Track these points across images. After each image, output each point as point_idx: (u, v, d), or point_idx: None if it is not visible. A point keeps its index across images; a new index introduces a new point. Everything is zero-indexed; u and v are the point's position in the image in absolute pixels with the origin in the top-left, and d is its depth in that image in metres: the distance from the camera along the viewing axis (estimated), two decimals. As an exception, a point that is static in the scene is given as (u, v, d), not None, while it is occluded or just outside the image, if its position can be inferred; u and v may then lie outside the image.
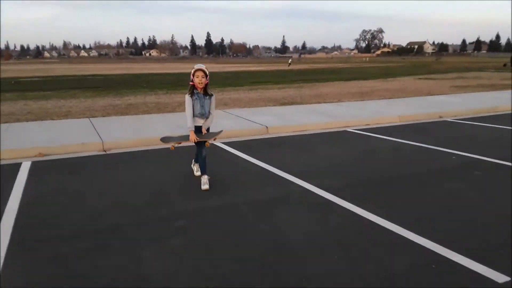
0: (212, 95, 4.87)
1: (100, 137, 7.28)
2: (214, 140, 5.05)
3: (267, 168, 5.70)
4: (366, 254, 3.24)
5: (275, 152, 6.73)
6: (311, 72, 34.83)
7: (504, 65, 38.56)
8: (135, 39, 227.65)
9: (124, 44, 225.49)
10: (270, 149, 7.00)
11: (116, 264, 3.15)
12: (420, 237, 3.49)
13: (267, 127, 8.33)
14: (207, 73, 4.72)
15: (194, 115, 4.77)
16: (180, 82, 22.39)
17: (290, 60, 56.11)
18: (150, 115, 10.06)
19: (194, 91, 4.74)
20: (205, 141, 4.84)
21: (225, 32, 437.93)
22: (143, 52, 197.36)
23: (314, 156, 6.48)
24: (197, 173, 5.24)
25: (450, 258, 3.14)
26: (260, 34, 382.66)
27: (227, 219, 3.97)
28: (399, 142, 7.27)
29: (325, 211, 4.13)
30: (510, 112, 10.71)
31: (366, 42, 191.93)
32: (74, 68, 49.16)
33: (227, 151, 6.80)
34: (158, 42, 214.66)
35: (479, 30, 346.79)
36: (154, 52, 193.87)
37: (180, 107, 11.71)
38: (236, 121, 8.95)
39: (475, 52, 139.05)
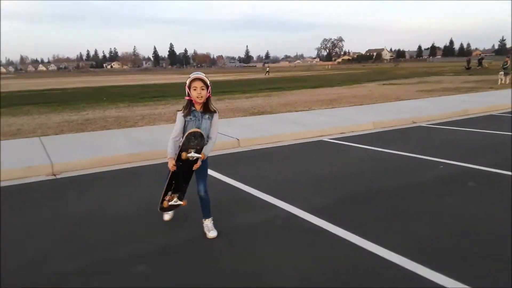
0: (215, 112, 3.66)
1: (49, 158, 6.41)
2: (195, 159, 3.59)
3: (242, 188, 5.07)
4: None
5: (250, 168, 6.13)
6: (277, 81, 34.63)
7: (468, 68, 39.80)
8: (96, 51, 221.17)
9: (84, 57, 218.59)
10: (243, 164, 6.39)
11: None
12: (436, 273, 2.97)
13: (238, 139, 7.72)
14: (208, 83, 3.51)
15: (184, 143, 3.49)
16: (143, 94, 21.43)
17: (267, 68, 56.15)
18: (109, 131, 9.21)
19: (192, 108, 3.57)
20: (192, 167, 3.60)
21: (189, 43, 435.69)
22: (104, 65, 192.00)
23: (292, 171, 5.93)
24: (209, 233, 3.72)
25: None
26: (224, 44, 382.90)
27: (198, 259, 3.30)
28: (379, 151, 6.85)
29: (317, 243, 3.53)
30: (482, 114, 10.65)
31: (327, 50, 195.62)
32: (31, 83, 46.62)
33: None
34: (119, 54, 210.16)
35: (433, 36, 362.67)
36: (115, 65, 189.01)
37: (143, 120, 10.92)
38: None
39: (431, 57, 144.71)
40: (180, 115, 3.60)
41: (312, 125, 9.05)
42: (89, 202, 4.73)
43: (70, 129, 9.48)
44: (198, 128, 3.51)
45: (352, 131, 8.84)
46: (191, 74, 3.54)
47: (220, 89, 24.35)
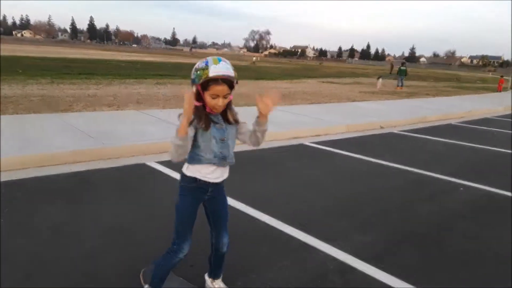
0: (236, 122, 2.25)
1: (-39, 153, 4.62)
2: None
3: (235, 206, 3.95)
4: None
5: (235, 182, 4.97)
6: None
7: (391, 73, 41.88)
8: (4, 17, 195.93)
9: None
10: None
11: None
12: None
13: (209, 138, 6.48)
14: (235, 82, 2.09)
15: (204, 158, 2.17)
16: (66, 70, 18.72)
17: (254, 58, 53.78)
18: (39, 115, 7.33)
19: (210, 118, 2.14)
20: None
21: (110, 17, 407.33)
22: (13, 32, 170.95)
23: (291, 183, 4.92)
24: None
25: None
26: (149, 23, 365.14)
27: None
28: (378, 164, 6.11)
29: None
30: (441, 123, 10.60)
31: (255, 42, 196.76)
32: None
33: (167, 176, 4.82)
34: (32, 22, 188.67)
35: (353, 39, 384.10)
36: (27, 33, 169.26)
37: (79, 103, 9.06)
38: (164, 128, 6.89)
39: (349, 59, 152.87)
40: (189, 130, 2.06)
41: (284, 125, 8.09)
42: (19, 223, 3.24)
43: (-18, 109, 7.39)
44: (223, 137, 2.17)
45: (327, 134, 8.08)
46: (211, 67, 1.99)
47: (154, 71, 22.38)
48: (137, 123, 7.15)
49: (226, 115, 2.18)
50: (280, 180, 5.08)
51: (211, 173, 2.22)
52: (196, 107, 2.05)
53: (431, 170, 5.74)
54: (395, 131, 8.97)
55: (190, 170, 2.22)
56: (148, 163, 5.22)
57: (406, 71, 23.03)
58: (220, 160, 2.20)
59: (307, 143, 7.12)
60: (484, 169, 6.18)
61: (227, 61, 2.05)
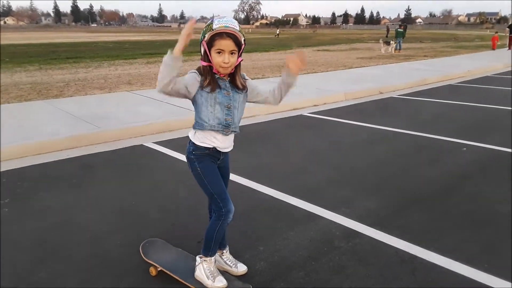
0: (244, 88, 2.19)
1: (-47, 146, 4.52)
2: None
3: (238, 181, 3.89)
4: None
5: (241, 155, 4.90)
6: (203, 43, 32.50)
7: (387, 36, 41.34)
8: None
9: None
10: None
11: None
12: None
13: (206, 114, 6.36)
14: (242, 40, 2.03)
15: (207, 124, 2.12)
16: (53, 55, 18.33)
17: (278, 31, 52.03)
18: (30, 103, 7.18)
19: (216, 76, 2.09)
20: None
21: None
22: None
23: (292, 155, 4.86)
24: (236, 269, 2.47)
25: None
26: (134, 1, 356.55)
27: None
28: (380, 129, 6.06)
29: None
30: (441, 84, 10.48)
31: (245, 13, 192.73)
32: None
33: (166, 155, 4.75)
34: (13, 8, 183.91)
35: (346, 4, 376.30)
36: (10, 20, 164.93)
37: (70, 88, 8.88)
38: (159, 108, 6.77)
39: (344, 24, 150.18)
40: (192, 76, 2.06)
41: (281, 96, 7.97)
42: (34, 221, 3.19)
43: (-28, 100, 7.23)
44: (229, 105, 2.11)
45: (325, 103, 7.97)
46: (214, 21, 1.97)
47: (143, 50, 21.98)
48: (130, 104, 7.02)
49: (234, 79, 2.13)
50: (281, 152, 5.01)
51: (220, 142, 2.19)
52: (203, 67, 2.07)
53: (433, 132, 5.68)
54: (395, 96, 8.86)
55: (199, 139, 2.17)
56: (146, 144, 5.14)
57: (404, 33, 22.60)
58: (224, 128, 2.15)
59: (306, 114, 7.03)
60: (487, 128, 6.12)
61: (231, 19, 2.01)
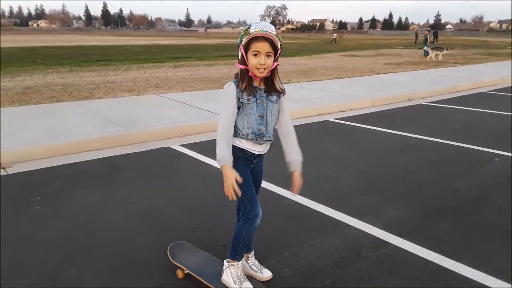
0: (282, 92, 2.21)
1: (-10, 144, 4.70)
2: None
3: (263, 186, 3.87)
4: None
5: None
6: (229, 48, 32.80)
7: (415, 42, 40.59)
8: (20, 8, 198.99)
9: (6, 14, 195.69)
10: None
11: None
12: None
13: (231, 118, 6.39)
14: (279, 45, 2.08)
15: (241, 133, 2.16)
16: (83, 57, 18.87)
17: (335, 35, 51.61)
18: (62, 104, 7.40)
19: (253, 84, 2.11)
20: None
21: (124, 2, 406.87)
22: (29, 23, 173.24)
23: (318, 161, 4.81)
24: (261, 274, 2.46)
25: None
26: (162, 5, 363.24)
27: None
28: (408, 136, 5.94)
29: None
30: (472, 92, 10.19)
31: (271, 18, 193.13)
32: None
33: (192, 158, 4.79)
34: (46, 11, 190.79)
35: (374, 9, 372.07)
36: (43, 23, 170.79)
37: (100, 90, 9.11)
38: (186, 111, 6.86)
39: (371, 30, 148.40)
40: (231, 90, 2.11)
41: (306, 102, 7.95)
42: (72, 215, 3.28)
43: (9, 101, 7.51)
44: (263, 114, 2.15)
45: (352, 109, 7.88)
46: (252, 26, 2.03)
47: (171, 54, 22.32)
48: (158, 107, 7.13)
49: (273, 84, 2.16)
50: (307, 158, 4.95)
51: (254, 146, 2.22)
52: (240, 70, 2.12)
53: (463, 141, 5.52)
54: (424, 103, 8.67)
55: (233, 141, 2.17)
56: (173, 146, 5.21)
57: (426, 39, 22.19)
58: (257, 137, 2.18)
59: (331, 119, 6.96)
60: (519, 137, 5.89)
61: (268, 24, 2.07)
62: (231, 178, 2.00)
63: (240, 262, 2.33)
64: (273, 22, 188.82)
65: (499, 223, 3.23)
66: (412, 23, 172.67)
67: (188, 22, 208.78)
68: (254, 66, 2.05)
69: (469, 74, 13.30)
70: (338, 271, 2.56)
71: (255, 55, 2.03)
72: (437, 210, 3.46)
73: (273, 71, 2.13)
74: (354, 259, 2.69)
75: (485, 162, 4.76)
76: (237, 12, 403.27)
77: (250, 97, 2.11)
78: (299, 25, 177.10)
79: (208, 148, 5.18)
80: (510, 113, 7.54)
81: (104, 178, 4.15)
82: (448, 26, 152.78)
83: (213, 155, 5.05)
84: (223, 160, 2.03)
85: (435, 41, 41.22)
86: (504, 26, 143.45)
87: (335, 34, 52.74)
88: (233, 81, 2.14)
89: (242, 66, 2.10)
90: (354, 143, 5.63)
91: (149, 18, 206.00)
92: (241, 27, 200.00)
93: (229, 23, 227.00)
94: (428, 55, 21.00)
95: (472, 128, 6.46)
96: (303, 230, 3.10)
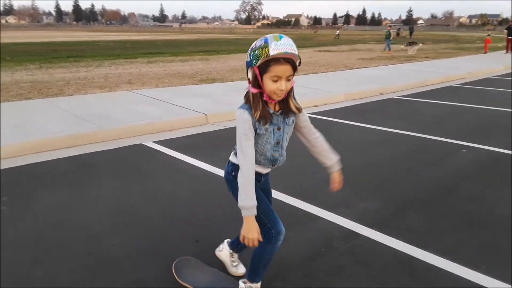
0: (300, 111, 2.04)
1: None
2: None
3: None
4: None
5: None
6: (205, 43, 32.56)
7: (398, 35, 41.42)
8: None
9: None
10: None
11: None
12: None
13: (205, 114, 6.37)
14: (297, 63, 1.82)
15: (255, 159, 1.94)
16: (54, 54, 18.34)
17: (338, 32, 50.33)
18: (30, 101, 7.18)
19: (269, 111, 1.89)
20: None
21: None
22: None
23: (291, 155, 4.84)
24: (235, 269, 2.46)
25: None
26: (136, 0, 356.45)
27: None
28: (379, 129, 6.05)
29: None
30: (442, 85, 10.46)
31: (246, 13, 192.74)
32: None
33: (164, 154, 4.74)
34: (15, 7, 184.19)
35: (347, 4, 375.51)
36: (11, 19, 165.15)
37: (70, 87, 8.88)
38: (159, 107, 6.78)
39: (345, 25, 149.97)
40: (246, 120, 1.84)
41: (281, 96, 7.97)
42: (44, 215, 3.19)
43: (-28, 99, 7.22)
44: (279, 141, 1.97)
45: (326, 104, 7.97)
46: (271, 45, 1.72)
47: (144, 50, 21.99)
48: (130, 104, 7.02)
49: (288, 104, 1.92)
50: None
51: (263, 169, 2.07)
52: (253, 95, 1.84)
53: (433, 134, 5.67)
54: (395, 97, 8.85)
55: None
56: (146, 143, 5.14)
57: (389, 34, 22.56)
58: (270, 163, 2.04)
59: (306, 114, 7.01)
60: (487, 129, 6.10)
61: (289, 38, 1.78)
62: (255, 233, 1.84)
63: (259, 284, 2.17)
64: (248, 17, 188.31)
65: (467, 212, 3.34)
66: (385, 18, 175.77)
67: (162, 17, 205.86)
68: (272, 92, 1.79)
69: (439, 68, 13.66)
70: (310, 263, 2.59)
71: (275, 81, 1.76)
72: (407, 202, 3.55)
73: (289, 91, 1.89)
74: (325, 250, 2.74)
75: (453, 153, 4.91)
76: (212, 7, 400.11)
77: (267, 126, 1.88)
78: (274, 21, 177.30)
79: (182, 144, 5.14)
80: (477, 106, 7.79)
81: (74, 176, 4.06)
82: (420, 22, 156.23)
83: (187, 151, 5.04)
84: (251, 210, 1.84)
85: (410, 36, 42.14)
86: (473, 21, 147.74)
87: (338, 30, 52.69)
88: (246, 109, 1.85)
89: (255, 90, 1.83)
90: (327, 137, 5.64)
91: (122, 14, 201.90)
92: (217, 23, 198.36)
93: (204, 18, 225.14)
94: (389, 50, 21.51)
95: (442, 121, 6.64)
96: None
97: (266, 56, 1.72)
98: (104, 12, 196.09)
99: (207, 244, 2.72)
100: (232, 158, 2.09)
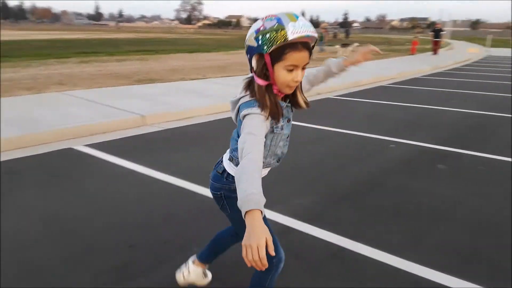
0: (307, 106, 1.69)
1: None
2: None
3: (180, 184, 3.82)
4: None
5: (177, 155, 4.80)
6: (144, 42, 31.65)
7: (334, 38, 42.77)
8: None
9: None
10: (174, 153, 4.97)
11: None
12: None
13: (143, 115, 6.19)
14: (312, 48, 1.50)
15: (264, 163, 1.70)
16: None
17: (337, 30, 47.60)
18: None
19: (281, 105, 1.57)
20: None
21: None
22: None
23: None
24: (206, 279, 2.35)
25: None
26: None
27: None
28: (315, 128, 6.24)
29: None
30: (373, 85, 11.03)
31: (187, 13, 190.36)
32: None
33: (95, 158, 4.54)
34: None
35: (288, 5, 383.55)
36: None
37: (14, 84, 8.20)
38: (92, 108, 6.48)
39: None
40: (264, 121, 1.49)
41: (222, 98, 7.96)
42: None
43: None
44: (288, 134, 1.77)
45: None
46: (288, 26, 1.39)
47: (78, 49, 20.91)
48: (60, 106, 6.64)
49: (296, 98, 1.62)
50: (219, 153, 4.99)
51: (264, 171, 1.80)
52: (258, 87, 1.50)
53: (365, 131, 5.97)
54: (331, 96, 9.19)
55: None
56: (76, 147, 4.88)
57: (322, 37, 23.39)
58: (277, 162, 1.82)
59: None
60: (414, 126, 6.53)
61: (304, 20, 1.44)
62: (262, 237, 1.21)
63: None
64: (189, 17, 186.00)
65: (393, 204, 3.55)
66: (323, 21, 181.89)
67: (97, 16, 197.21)
68: (286, 84, 1.49)
69: (371, 69, 14.37)
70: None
71: (290, 71, 1.46)
72: (340, 196, 3.71)
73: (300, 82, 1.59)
74: (262, 247, 2.77)
75: (382, 149, 5.21)
76: (151, 6, 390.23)
77: (282, 123, 1.62)
78: (215, 21, 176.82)
79: (115, 147, 4.96)
80: (405, 104, 8.32)
81: (-4, 184, 3.76)
82: (355, 24, 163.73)
83: (120, 154, 4.87)
84: (256, 201, 1.27)
85: (347, 38, 43.97)
86: (405, 24, 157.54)
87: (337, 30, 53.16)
88: (254, 105, 1.49)
89: (264, 82, 1.49)
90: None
91: (54, 11, 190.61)
92: (156, 22, 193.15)
93: (142, 17, 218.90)
94: (324, 51, 22.35)
95: (374, 119, 7.01)
96: (214, 224, 3.10)
97: (284, 40, 1.39)
98: (34, 9, 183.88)
99: (142, 249, 2.64)
100: (227, 166, 1.82)
